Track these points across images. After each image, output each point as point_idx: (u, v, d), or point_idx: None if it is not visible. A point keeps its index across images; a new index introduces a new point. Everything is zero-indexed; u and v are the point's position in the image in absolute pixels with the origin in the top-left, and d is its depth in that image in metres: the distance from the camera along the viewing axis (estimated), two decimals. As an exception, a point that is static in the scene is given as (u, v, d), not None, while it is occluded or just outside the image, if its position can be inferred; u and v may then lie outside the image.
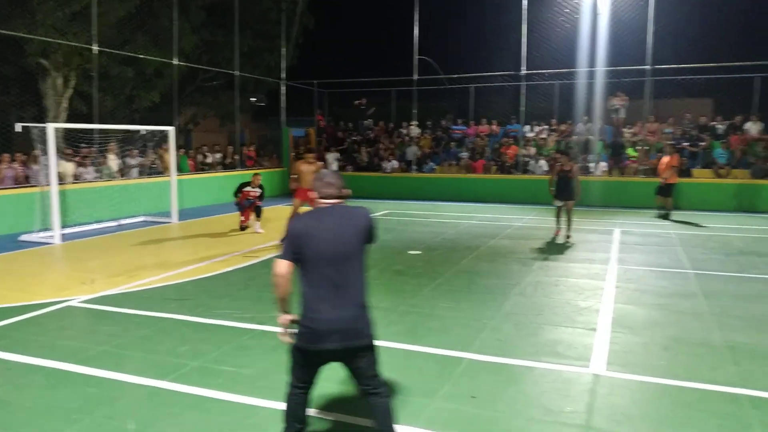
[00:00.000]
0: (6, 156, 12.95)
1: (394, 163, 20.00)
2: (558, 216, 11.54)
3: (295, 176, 10.51)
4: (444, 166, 19.70)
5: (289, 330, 3.32)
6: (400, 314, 6.44)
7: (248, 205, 12.27)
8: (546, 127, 19.64)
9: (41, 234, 11.32)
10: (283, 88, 21.35)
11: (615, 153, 17.97)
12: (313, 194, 3.37)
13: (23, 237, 11.27)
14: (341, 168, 20.63)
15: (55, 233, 11.00)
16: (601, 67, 17.92)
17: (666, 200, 14.50)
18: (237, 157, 19.74)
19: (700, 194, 16.08)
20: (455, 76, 20.54)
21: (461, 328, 6.00)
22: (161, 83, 18.25)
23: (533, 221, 13.77)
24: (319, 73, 22.20)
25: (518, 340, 5.67)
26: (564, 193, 11.11)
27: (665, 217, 14.28)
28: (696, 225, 13.15)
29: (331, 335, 3.15)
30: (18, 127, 11.47)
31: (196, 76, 20.87)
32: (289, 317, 3.33)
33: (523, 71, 18.67)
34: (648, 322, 6.22)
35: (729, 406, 4.24)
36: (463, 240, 11.30)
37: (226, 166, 19.13)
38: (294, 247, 3.18)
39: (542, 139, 19.26)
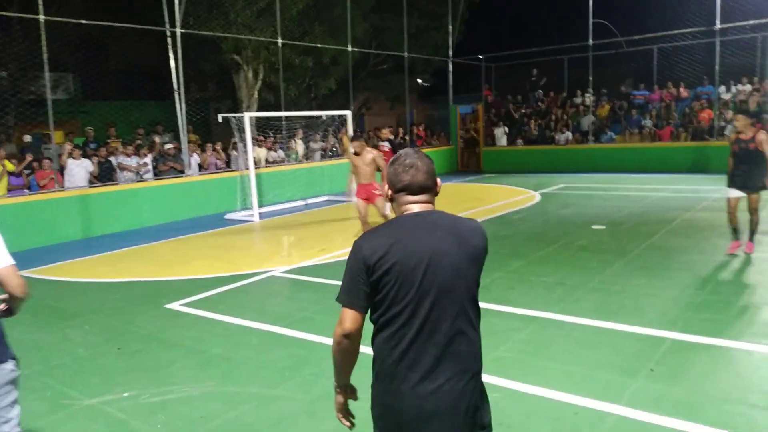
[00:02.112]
0: (211, 145, 14.60)
1: (568, 135, 19.06)
2: (732, 217, 7.28)
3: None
4: (625, 135, 18.34)
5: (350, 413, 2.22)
6: (588, 291, 6.16)
7: None
8: (747, 87, 17.34)
9: (242, 213, 12.64)
10: (450, 66, 21.33)
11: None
12: (385, 188, 2.12)
13: (228, 216, 12.66)
14: (511, 143, 20.16)
15: (254, 212, 12.19)
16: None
17: None
18: (407, 137, 20.21)
19: None
20: (635, 37, 18.91)
21: (659, 306, 5.57)
22: (337, 70, 19.24)
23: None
24: (485, 48, 21.81)
25: (729, 319, 5.13)
26: (743, 177, 7.07)
27: None
28: None
29: (431, 421, 1.94)
30: (219, 117, 12.90)
31: (367, 62, 21.68)
32: (349, 394, 2.19)
33: (718, 26, 16.62)
34: None
35: None
36: (653, 214, 10.44)
37: (397, 147, 19.66)
38: (366, 284, 1.96)
39: (742, 101, 17.05)
